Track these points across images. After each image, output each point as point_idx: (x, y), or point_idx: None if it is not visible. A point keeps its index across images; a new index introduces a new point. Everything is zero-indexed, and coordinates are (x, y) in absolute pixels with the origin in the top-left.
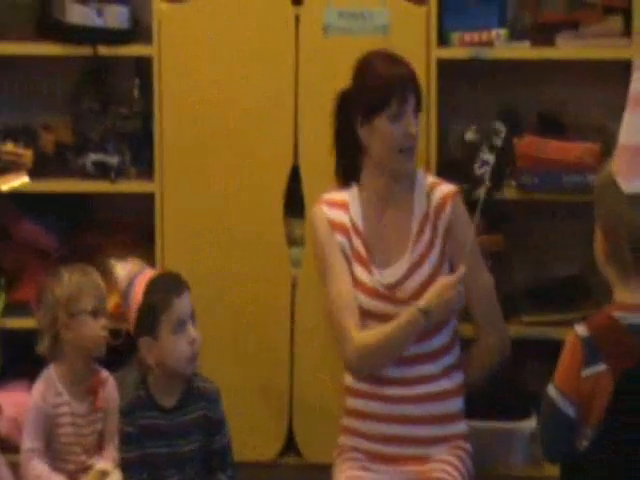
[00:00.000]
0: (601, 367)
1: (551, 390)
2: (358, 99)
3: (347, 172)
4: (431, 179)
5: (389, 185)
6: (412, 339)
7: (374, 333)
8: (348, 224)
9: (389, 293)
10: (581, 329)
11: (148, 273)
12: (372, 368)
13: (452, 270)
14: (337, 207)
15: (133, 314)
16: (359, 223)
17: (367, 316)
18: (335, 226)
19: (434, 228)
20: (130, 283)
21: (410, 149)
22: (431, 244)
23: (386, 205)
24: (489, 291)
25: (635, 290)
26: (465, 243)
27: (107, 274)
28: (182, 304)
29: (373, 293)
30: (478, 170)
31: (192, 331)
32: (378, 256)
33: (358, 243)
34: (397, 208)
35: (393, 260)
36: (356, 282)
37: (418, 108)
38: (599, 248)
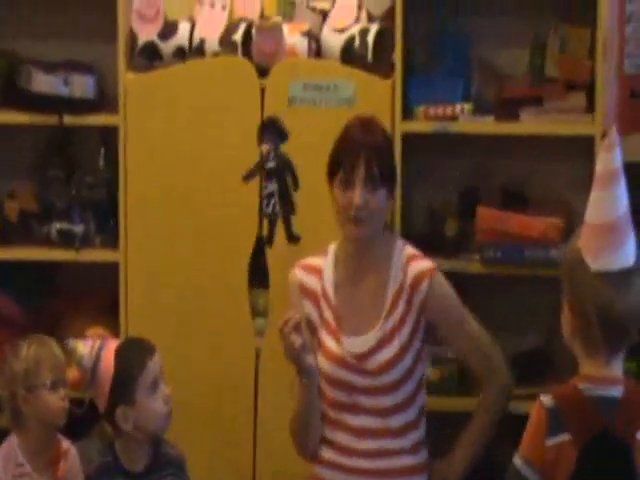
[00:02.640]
0: (565, 437)
1: (516, 459)
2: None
3: None
4: (410, 251)
5: (356, 252)
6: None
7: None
8: (319, 291)
9: (357, 363)
10: (546, 399)
11: (112, 344)
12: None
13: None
14: (311, 272)
15: (106, 388)
16: (330, 291)
17: (334, 385)
18: (306, 292)
19: (408, 303)
20: (97, 358)
21: (357, 218)
22: (402, 320)
23: (359, 273)
24: (480, 339)
25: (601, 364)
26: (445, 315)
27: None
28: (155, 363)
29: (341, 362)
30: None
31: (165, 388)
32: (348, 324)
33: (327, 312)
34: (372, 277)
35: (364, 330)
36: (324, 350)
37: (378, 179)
38: (566, 323)
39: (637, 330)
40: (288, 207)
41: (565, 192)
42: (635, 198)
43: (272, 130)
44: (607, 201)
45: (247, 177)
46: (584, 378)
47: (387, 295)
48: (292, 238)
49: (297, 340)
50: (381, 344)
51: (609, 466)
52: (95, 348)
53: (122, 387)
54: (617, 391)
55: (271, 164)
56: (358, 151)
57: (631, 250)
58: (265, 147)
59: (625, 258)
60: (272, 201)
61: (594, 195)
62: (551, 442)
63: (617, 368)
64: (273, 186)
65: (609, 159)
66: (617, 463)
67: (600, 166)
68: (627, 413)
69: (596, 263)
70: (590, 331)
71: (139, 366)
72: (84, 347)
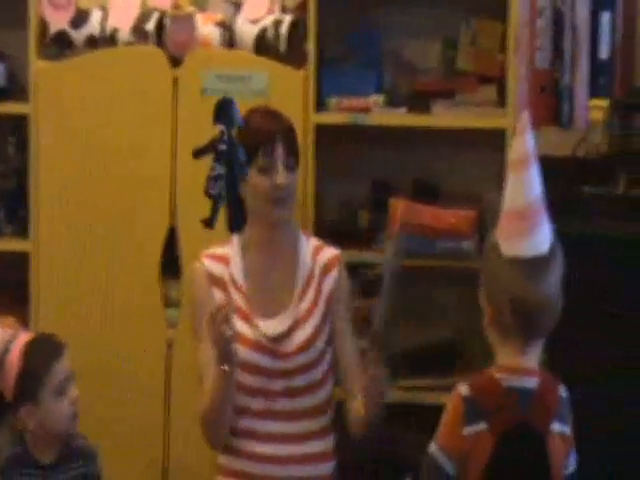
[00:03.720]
0: (482, 426)
1: (432, 447)
2: None
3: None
4: (315, 242)
5: (270, 238)
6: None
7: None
8: (227, 278)
9: (272, 346)
10: (463, 388)
11: (23, 338)
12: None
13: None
14: (218, 260)
15: (11, 382)
16: (239, 277)
17: (248, 370)
18: (214, 280)
19: (318, 289)
20: (5, 350)
21: (280, 199)
22: (315, 303)
23: (270, 259)
24: (358, 356)
25: (516, 353)
26: (343, 307)
27: None
28: (62, 366)
29: (255, 346)
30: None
31: (73, 390)
32: (260, 308)
33: (238, 297)
34: (281, 263)
35: (276, 313)
36: (237, 336)
37: (292, 162)
38: (485, 314)
39: (551, 321)
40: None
41: (477, 185)
42: (544, 192)
43: (227, 112)
44: (520, 185)
45: (197, 154)
46: (500, 368)
47: (297, 280)
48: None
49: (227, 330)
50: (296, 325)
51: (524, 456)
52: (5, 339)
53: (26, 386)
54: (532, 382)
55: (222, 146)
56: (274, 135)
57: (545, 237)
58: (219, 127)
59: (538, 245)
60: (218, 183)
61: (509, 181)
62: (467, 431)
63: (533, 359)
64: (222, 169)
65: (521, 143)
66: (532, 453)
67: (513, 151)
68: (541, 404)
69: (509, 248)
70: (504, 320)
71: (45, 367)
72: None
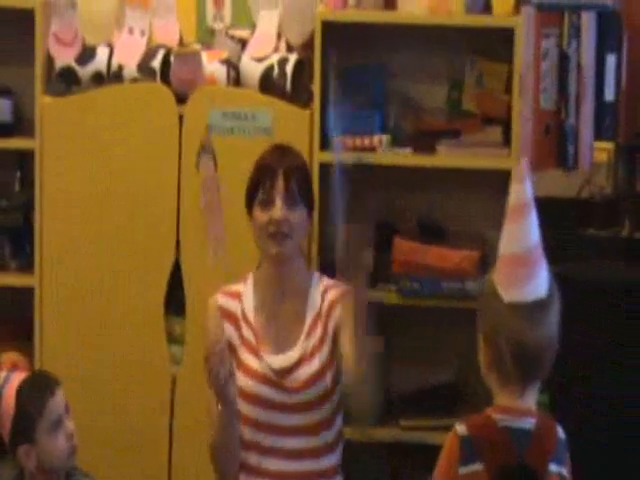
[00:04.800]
0: (477, 466)
1: None
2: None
3: None
4: (327, 282)
5: (278, 274)
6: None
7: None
8: (239, 313)
9: (278, 380)
10: (460, 428)
11: (16, 379)
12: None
13: None
14: (230, 297)
15: (6, 425)
16: (250, 313)
17: (254, 402)
18: (225, 314)
19: (325, 327)
20: None
21: (278, 234)
22: (322, 341)
23: (280, 295)
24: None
25: (514, 395)
26: (348, 329)
27: None
28: (56, 402)
29: (262, 378)
30: None
31: (69, 425)
32: (269, 343)
33: (248, 332)
34: (291, 300)
35: (284, 348)
36: (245, 369)
37: (296, 198)
38: (482, 355)
39: (550, 362)
40: None
41: (481, 225)
42: (549, 233)
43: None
44: (519, 233)
45: None
46: (498, 409)
47: (306, 318)
48: None
49: (222, 371)
50: (302, 361)
51: None
52: None
53: (21, 428)
54: (529, 423)
55: None
56: (276, 170)
57: (543, 281)
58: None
59: (537, 289)
60: None
61: (506, 227)
62: (464, 471)
63: (531, 400)
64: None
65: (520, 191)
66: None
67: (511, 198)
68: (539, 445)
69: (508, 295)
70: (503, 363)
71: (39, 406)
72: None
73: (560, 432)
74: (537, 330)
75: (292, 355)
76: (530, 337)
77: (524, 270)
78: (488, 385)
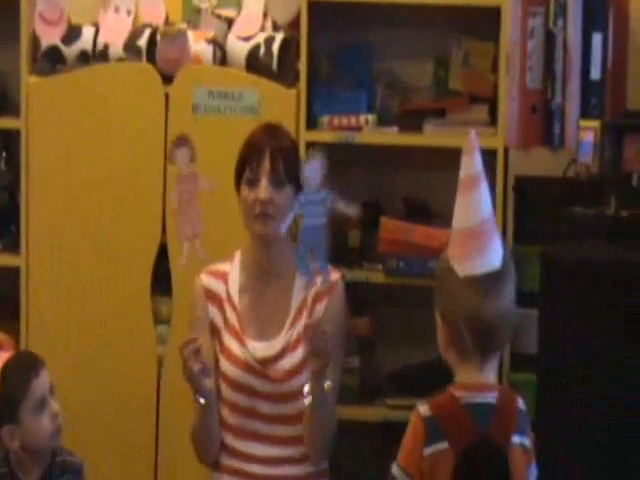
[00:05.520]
0: (442, 445)
1: (394, 469)
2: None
3: None
4: (316, 266)
5: (264, 255)
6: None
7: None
8: (223, 295)
9: (260, 368)
10: (423, 408)
11: (0, 360)
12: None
13: None
14: (216, 277)
15: None
16: (235, 295)
17: (236, 388)
18: (209, 295)
19: (310, 315)
20: None
21: (263, 214)
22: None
23: (267, 278)
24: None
25: (474, 371)
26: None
27: None
28: (40, 383)
29: (244, 366)
30: None
31: (54, 405)
32: (252, 329)
33: (232, 315)
34: (276, 284)
35: (268, 336)
36: (227, 353)
37: (283, 178)
38: (440, 334)
39: (507, 335)
40: None
41: None
42: (534, 211)
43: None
44: (470, 206)
45: None
46: (460, 386)
47: (291, 305)
48: None
49: (196, 364)
50: (285, 350)
51: (486, 470)
52: None
53: (6, 407)
54: (491, 397)
55: None
56: (263, 149)
57: (497, 254)
58: None
59: (491, 262)
60: None
61: (458, 201)
62: (428, 451)
63: (491, 374)
64: None
65: (470, 163)
66: (494, 467)
67: (461, 171)
68: (501, 419)
69: (462, 268)
70: (461, 338)
71: (23, 387)
72: None
73: (521, 403)
74: (493, 302)
75: (276, 344)
76: (486, 309)
77: (477, 243)
78: (448, 363)
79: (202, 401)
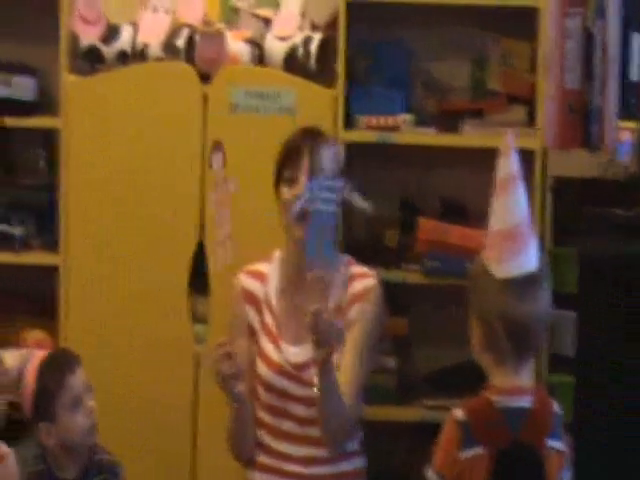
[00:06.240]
0: (478, 449)
1: (429, 473)
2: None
3: None
4: (355, 269)
5: (302, 258)
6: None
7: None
8: (262, 297)
9: (295, 372)
10: (458, 412)
11: (37, 357)
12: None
13: None
14: (255, 277)
15: (28, 402)
16: (273, 298)
17: (269, 390)
18: (248, 296)
19: (345, 321)
20: (21, 371)
21: (302, 217)
22: None
23: (302, 280)
24: (354, 373)
25: (509, 374)
26: (352, 335)
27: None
28: (76, 380)
29: (278, 369)
30: None
31: (89, 403)
32: (288, 332)
33: (269, 318)
34: (314, 286)
35: (303, 340)
36: (263, 356)
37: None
38: (474, 337)
39: (542, 337)
40: None
41: None
42: (572, 212)
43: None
44: (506, 207)
45: None
46: (495, 390)
47: (328, 305)
48: None
49: (226, 368)
50: None
51: (521, 473)
52: (20, 361)
53: (41, 404)
54: (526, 401)
55: None
56: (302, 148)
57: (533, 255)
58: None
59: (527, 263)
60: None
61: (494, 202)
62: (464, 455)
63: (526, 377)
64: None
65: (506, 164)
66: (528, 470)
67: (498, 172)
68: (536, 423)
69: (499, 270)
70: (497, 341)
71: (59, 384)
72: (11, 359)
73: (556, 407)
74: (528, 304)
75: (310, 349)
76: (522, 312)
77: (513, 245)
78: (482, 365)
79: (235, 405)
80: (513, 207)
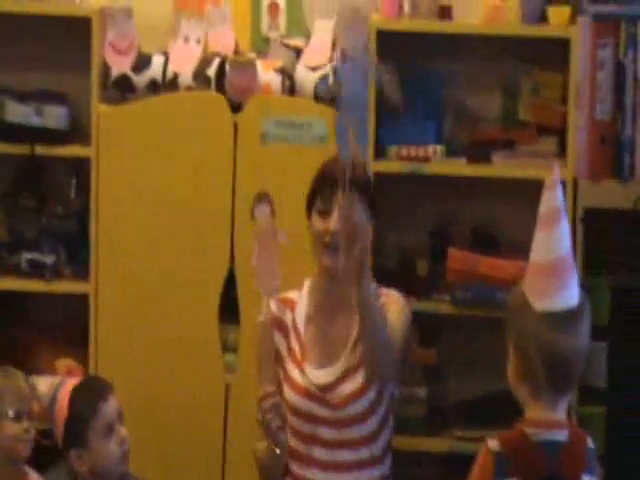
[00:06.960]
0: None
1: None
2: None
3: None
4: (383, 290)
5: (331, 287)
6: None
7: None
8: (289, 323)
9: (320, 394)
10: (493, 443)
11: (69, 384)
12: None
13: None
14: (284, 304)
15: (60, 428)
16: (300, 325)
17: (297, 414)
18: (277, 323)
19: None
20: (53, 398)
21: (332, 246)
22: None
23: (331, 309)
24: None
25: (546, 407)
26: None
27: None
28: (109, 408)
29: (304, 392)
30: None
31: (121, 430)
32: (313, 356)
33: (295, 344)
34: (341, 315)
35: (328, 363)
36: (288, 380)
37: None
38: (511, 367)
39: (580, 372)
40: None
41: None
42: (603, 243)
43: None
44: (550, 241)
45: None
46: (530, 422)
47: (353, 330)
48: None
49: (274, 420)
50: (345, 376)
51: None
52: (52, 388)
53: (73, 431)
54: (562, 435)
55: None
56: (333, 181)
57: (574, 290)
58: None
59: (568, 298)
60: None
61: (537, 235)
62: None
63: (562, 411)
64: None
65: (551, 198)
66: None
67: (542, 206)
68: (572, 457)
69: (540, 303)
70: (535, 374)
71: (91, 411)
72: (44, 386)
73: (590, 442)
74: (569, 340)
75: (335, 370)
76: (562, 347)
77: (555, 279)
78: (518, 397)
79: (277, 451)
80: (557, 241)
